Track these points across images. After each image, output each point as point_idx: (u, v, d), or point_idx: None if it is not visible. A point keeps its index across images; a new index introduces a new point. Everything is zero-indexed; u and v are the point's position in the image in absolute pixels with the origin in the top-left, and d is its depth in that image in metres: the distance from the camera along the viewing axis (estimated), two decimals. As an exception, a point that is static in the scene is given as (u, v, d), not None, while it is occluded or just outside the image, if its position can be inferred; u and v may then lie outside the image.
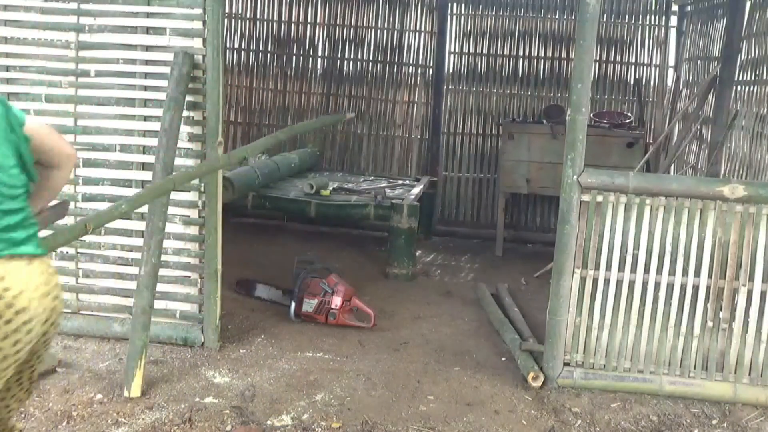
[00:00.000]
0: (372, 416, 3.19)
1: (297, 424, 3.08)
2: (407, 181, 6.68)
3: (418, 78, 7.32)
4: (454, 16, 7.25)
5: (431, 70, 7.30)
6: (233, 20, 7.39)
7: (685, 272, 3.50)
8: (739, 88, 5.34)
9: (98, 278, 3.90)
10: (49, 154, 2.22)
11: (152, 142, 3.68)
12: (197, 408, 3.17)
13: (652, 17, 7.08)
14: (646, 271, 3.52)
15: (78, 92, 3.78)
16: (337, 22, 7.34)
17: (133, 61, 3.72)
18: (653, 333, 3.55)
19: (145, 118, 3.74)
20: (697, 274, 3.49)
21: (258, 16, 7.41)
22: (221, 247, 3.79)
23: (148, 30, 3.70)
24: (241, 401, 3.27)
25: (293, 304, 4.35)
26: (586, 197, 3.49)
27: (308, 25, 7.37)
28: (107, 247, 3.86)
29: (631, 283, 3.54)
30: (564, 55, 7.11)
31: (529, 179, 6.30)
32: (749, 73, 5.13)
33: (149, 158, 3.69)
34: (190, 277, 3.84)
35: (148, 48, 3.71)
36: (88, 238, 3.86)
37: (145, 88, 3.73)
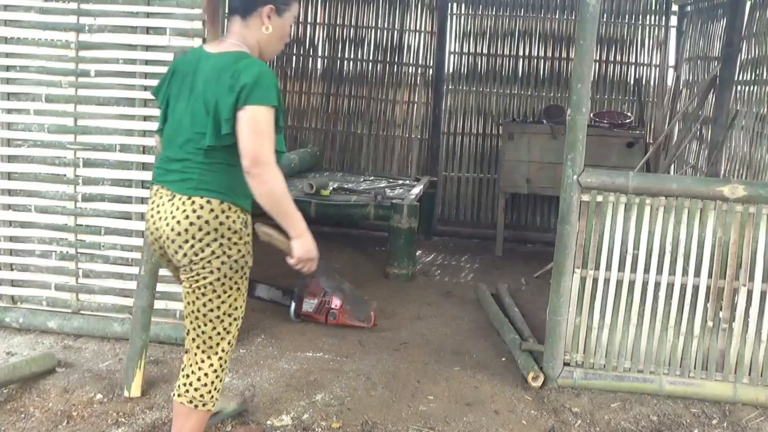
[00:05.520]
0: (372, 416, 3.19)
1: (297, 424, 3.09)
2: (407, 181, 6.68)
3: (418, 78, 7.32)
4: (454, 16, 7.25)
5: (431, 70, 7.30)
6: (233, 20, 7.38)
7: (685, 272, 3.50)
8: (739, 88, 5.34)
9: (98, 278, 3.90)
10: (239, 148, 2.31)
11: (152, 142, 3.67)
12: (197, 408, 3.17)
13: (652, 17, 7.08)
14: (646, 271, 3.52)
15: (78, 92, 3.78)
16: (337, 22, 7.35)
17: (133, 61, 3.72)
18: (653, 333, 3.55)
19: (145, 118, 3.74)
20: (697, 274, 3.49)
21: (258, 16, 7.39)
22: (221, 247, 3.78)
23: (148, 30, 3.70)
24: (241, 401, 3.27)
25: (293, 304, 4.35)
26: (586, 197, 3.50)
27: (308, 25, 7.38)
28: (107, 247, 3.86)
29: (631, 283, 3.54)
30: (564, 55, 7.12)
31: (529, 179, 6.30)
32: (749, 73, 5.13)
33: (149, 158, 3.69)
34: (190, 277, 3.84)
35: (148, 48, 3.71)
36: (88, 238, 3.87)
37: (145, 88, 3.72)
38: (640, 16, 7.08)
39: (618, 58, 7.11)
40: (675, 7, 7.07)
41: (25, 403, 3.14)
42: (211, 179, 2.39)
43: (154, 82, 3.66)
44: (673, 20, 7.09)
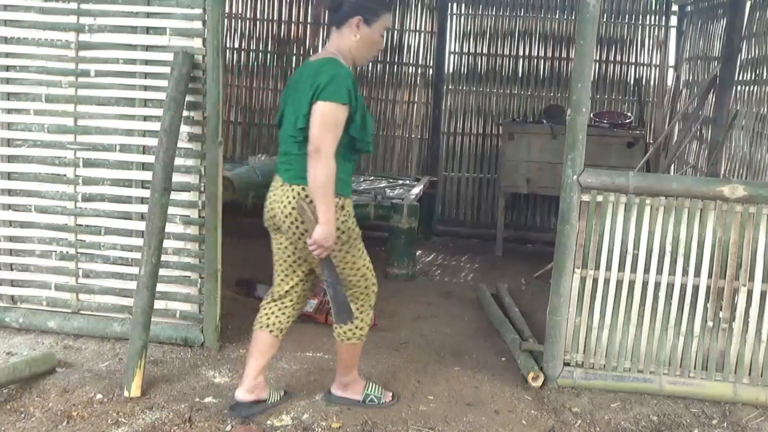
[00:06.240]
0: (372, 416, 3.20)
1: (297, 424, 3.09)
2: (407, 181, 6.68)
3: (418, 78, 7.32)
4: (454, 16, 7.25)
5: (431, 70, 7.30)
6: (233, 20, 7.39)
7: (685, 272, 3.50)
8: (739, 88, 5.34)
9: (98, 278, 3.90)
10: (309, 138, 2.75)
11: (152, 142, 3.68)
12: (197, 408, 3.17)
13: (652, 17, 7.08)
14: (646, 271, 3.52)
15: (78, 92, 3.78)
16: (337, 22, 7.33)
17: (133, 61, 3.72)
18: (653, 333, 3.55)
19: (145, 118, 3.74)
20: (697, 274, 3.49)
21: (258, 16, 7.40)
22: (221, 247, 3.79)
23: (148, 30, 3.70)
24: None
25: (293, 304, 4.34)
26: (586, 197, 3.49)
27: (308, 25, 7.37)
28: (107, 247, 3.86)
29: (631, 283, 3.54)
30: (564, 55, 7.12)
31: (529, 179, 6.30)
32: (749, 73, 5.13)
33: (149, 158, 3.69)
34: (190, 277, 3.84)
35: (148, 48, 3.71)
36: (88, 238, 3.87)
37: (145, 88, 3.73)
38: (640, 16, 7.09)
39: (618, 58, 7.11)
40: (675, 7, 7.07)
41: (25, 403, 3.14)
42: (305, 169, 2.78)
43: (154, 82, 3.72)
44: (673, 20, 7.10)
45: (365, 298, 3.17)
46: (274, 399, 3.24)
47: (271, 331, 3.17)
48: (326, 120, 2.71)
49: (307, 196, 2.82)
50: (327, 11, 3.00)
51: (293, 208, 2.84)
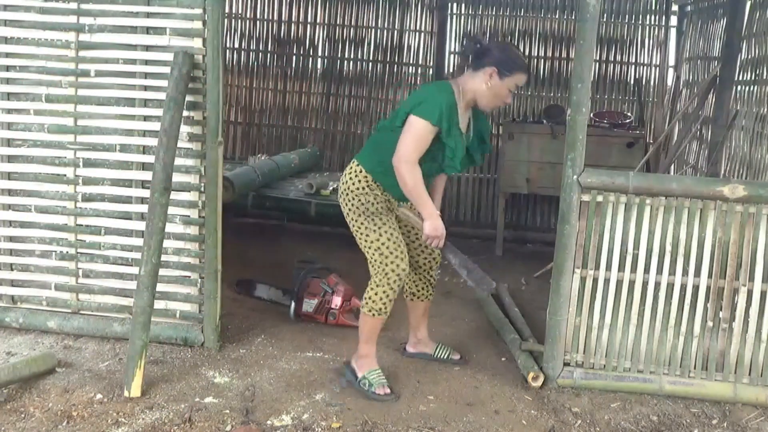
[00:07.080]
0: (372, 416, 3.20)
1: (297, 424, 3.09)
2: (407, 181, 6.66)
3: (418, 78, 7.31)
4: (454, 16, 7.24)
5: (431, 70, 7.29)
6: (233, 20, 7.39)
7: (685, 272, 3.50)
8: (739, 88, 5.33)
9: (98, 278, 3.90)
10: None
11: (152, 142, 3.68)
12: (197, 408, 3.17)
13: (652, 17, 7.07)
14: (646, 271, 3.52)
15: (78, 92, 3.78)
16: (337, 22, 7.34)
17: (133, 61, 3.72)
18: (653, 333, 3.55)
19: (145, 118, 3.74)
20: (697, 274, 3.49)
21: (258, 16, 7.40)
22: (221, 247, 3.79)
23: (148, 30, 3.70)
24: (241, 401, 3.27)
25: (293, 304, 4.35)
26: (586, 197, 3.49)
27: (308, 25, 7.37)
28: (107, 247, 3.86)
29: (631, 283, 3.54)
30: (564, 55, 7.10)
31: (529, 179, 6.29)
32: (749, 73, 5.13)
33: (149, 158, 3.69)
34: (190, 277, 3.84)
35: (148, 48, 3.71)
36: (88, 238, 3.87)
37: (145, 88, 3.73)
38: (640, 16, 7.07)
39: (618, 58, 7.09)
40: (675, 7, 7.06)
41: (25, 403, 3.15)
42: (364, 147, 3.39)
43: (154, 82, 3.72)
44: (673, 20, 7.08)
45: (381, 275, 3.35)
46: (439, 353, 3.83)
47: (416, 299, 3.80)
48: (413, 133, 3.08)
49: (351, 168, 3.31)
50: (471, 55, 3.27)
51: (348, 180, 3.32)
